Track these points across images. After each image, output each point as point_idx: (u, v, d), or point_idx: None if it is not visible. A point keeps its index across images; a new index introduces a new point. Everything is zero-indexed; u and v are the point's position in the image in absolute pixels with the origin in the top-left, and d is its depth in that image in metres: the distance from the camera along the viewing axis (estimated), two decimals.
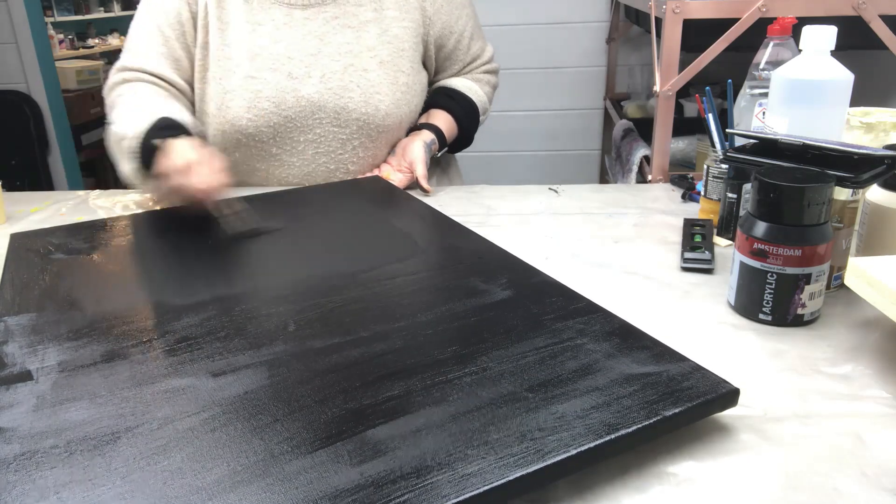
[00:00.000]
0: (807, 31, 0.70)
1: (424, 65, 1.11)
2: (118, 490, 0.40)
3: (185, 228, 0.84)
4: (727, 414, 0.50)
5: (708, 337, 0.61)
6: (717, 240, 0.81)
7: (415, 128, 1.09)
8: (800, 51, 0.72)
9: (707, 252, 0.74)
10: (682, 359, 0.51)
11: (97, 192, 1.06)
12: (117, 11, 4.97)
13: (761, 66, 0.85)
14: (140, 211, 0.92)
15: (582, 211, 0.93)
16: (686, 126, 1.68)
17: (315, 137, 1.02)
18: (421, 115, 1.12)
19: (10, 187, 1.06)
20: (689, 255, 0.74)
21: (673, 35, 1.02)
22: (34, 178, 2.80)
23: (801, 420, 0.50)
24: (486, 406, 0.46)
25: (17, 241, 0.80)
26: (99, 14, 4.89)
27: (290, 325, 0.58)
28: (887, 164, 0.62)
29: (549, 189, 1.01)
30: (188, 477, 0.41)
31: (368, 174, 1.06)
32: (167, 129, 0.89)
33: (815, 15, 0.96)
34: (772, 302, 0.61)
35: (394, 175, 1.03)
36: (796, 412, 0.51)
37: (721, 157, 0.82)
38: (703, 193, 0.86)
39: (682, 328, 0.63)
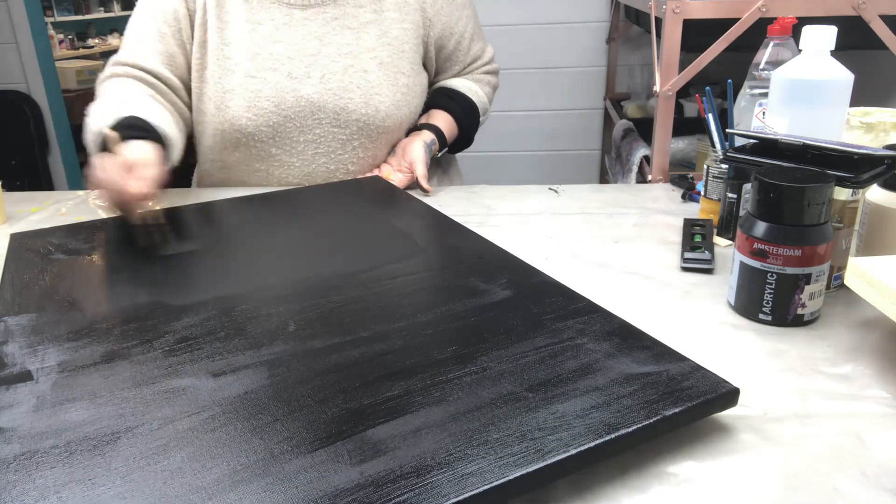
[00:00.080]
0: (807, 31, 0.70)
1: (425, 66, 1.11)
2: (118, 490, 0.40)
3: (185, 229, 0.84)
4: (727, 414, 0.50)
5: (708, 337, 0.61)
6: (717, 240, 0.81)
7: (415, 128, 1.09)
8: (800, 51, 0.72)
9: (707, 252, 0.74)
10: (682, 359, 0.51)
11: (97, 192, 1.05)
12: (117, 11, 4.97)
13: (761, 66, 0.85)
14: (139, 211, 0.92)
15: (582, 211, 0.93)
16: (686, 126, 1.68)
17: (315, 138, 1.02)
18: (421, 115, 1.12)
19: (10, 187, 1.05)
20: (689, 255, 0.74)
21: (673, 35, 1.02)
22: (34, 178, 2.81)
23: (801, 420, 0.50)
24: (486, 406, 0.46)
25: (17, 241, 0.80)
26: (99, 14, 4.90)
27: (290, 325, 0.58)
28: (887, 164, 0.62)
29: (549, 189, 1.01)
30: (188, 477, 0.41)
31: (368, 174, 1.06)
32: (130, 128, 0.88)
33: (815, 15, 0.96)
34: (772, 302, 0.61)
35: (394, 175, 1.03)
36: (796, 412, 0.51)
37: (721, 157, 0.82)
38: (703, 193, 0.86)
39: (682, 328, 0.63)
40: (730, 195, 0.79)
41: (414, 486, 0.39)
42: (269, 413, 0.47)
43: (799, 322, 0.62)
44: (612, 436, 0.43)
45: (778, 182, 0.58)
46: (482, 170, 2.40)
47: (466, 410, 0.46)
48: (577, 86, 2.33)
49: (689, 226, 0.81)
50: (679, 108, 1.91)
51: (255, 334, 0.57)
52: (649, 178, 1.09)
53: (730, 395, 0.48)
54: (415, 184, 1.02)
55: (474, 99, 1.13)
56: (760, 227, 0.60)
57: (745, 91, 0.88)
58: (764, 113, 0.80)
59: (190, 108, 1.04)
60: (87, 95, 3.63)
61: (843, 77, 0.71)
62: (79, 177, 3.01)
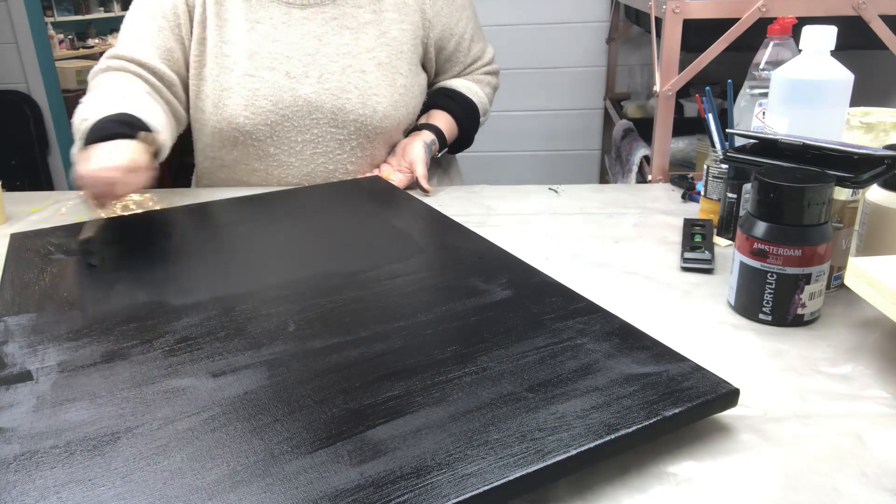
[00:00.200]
0: (807, 31, 0.70)
1: (424, 67, 1.11)
2: (118, 490, 0.40)
3: (185, 228, 0.84)
4: (727, 414, 0.50)
5: (708, 337, 0.61)
6: (717, 240, 0.81)
7: (415, 128, 1.09)
8: (800, 51, 0.72)
9: (707, 252, 0.74)
10: (682, 359, 0.51)
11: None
12: (117, 11, 4.96)
13: (761, 66, 0.85)
14: (140, 211, 0.92)
15: (582, 211, 0.93)
16: (686, 126, 1.68)
17: (312, 138, 1.02)
18: (421, 115, 1.12)
19: (10, 187, 1.06)
20: (689, 255, 0.74)
21: (673, 35, 1.02)
22: (34, 178, 2.81)
23: (801, 420, 0.50)
24: (486, 406, 0.46)
25: (17, 241, 0.80)
26: (99, 14, 4.90)
27: (290, 325, 0.58)
28: (887, 164, 0.62)
29: (549, 189, 1.01)
30: (188, 477, 0.41)
31: (368, 174, 1.06)
32: (124, 124, 0.87)
33: (815, 15, 0.96)
34: (772, 302, 0.61)
35: (394, 175, 1.03)
36: (796, 412, 0.51)
37: (721, 157, 0.82)
38: (703, 193, 0.86)
39: (682, 328, 0.63)
40: (730, 195, 0.79)
41: (414, 486, 0.39)
42: (269, 413, 0.47)
43: (799, 322, 0.62)
44: (612, 436, 0.43)
45: (778, 182, 0.58)
46: (482, 170, 2.40)
47: (466, 411, 0.46)
48: (577, 86, 2.33)
49: (689, 226, 0.81)
50: (679, 108, 1.91)
51: (255, 334, 0.57)
52: (649, 178, 1.09)
53: (730, 396, 0.48)
54: (415, 184, 1.02)
55: (474, 99, 1.13)
56: (760, 227, 0.60)
57: (745, 91, 0.88)
58: (764, 113, 0.80)
59: (185, 104, 1.04)
60: None
61: (843, 77, 0.71)
62: None
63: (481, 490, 0.39)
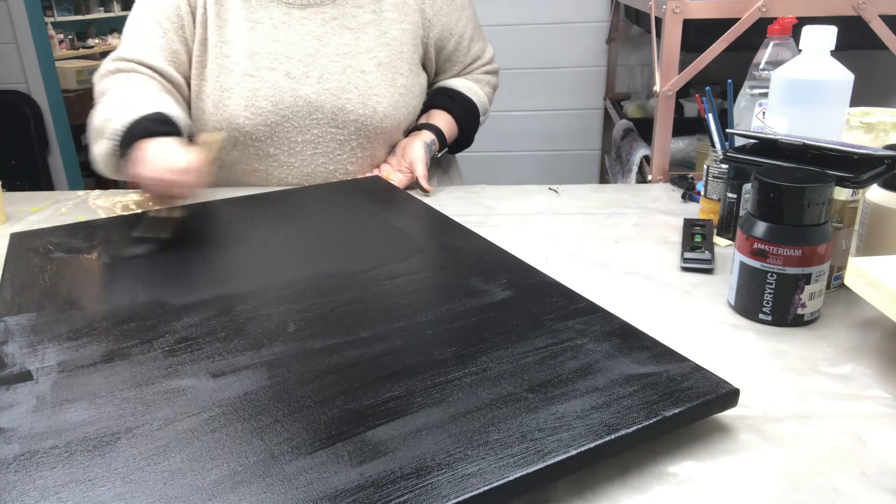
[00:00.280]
0: (807, 31, 0.70)
1: (424, 66, 1.11)
2: (118, 490, 0.40)
3: (185, 228, 0.84)
4: (727, 414, 0.50)
5: (708, 337, 0.61)
6: (717, 240, 0.81)
7: (415, 128, 1.09)
8: (800, 51, 0.72)
9: (707, 252, 0.74)
10: (682, 359, 0.51)
11: (97, 192, 1.06)
12: (117, 11, 4.97)
13: (761, 66, 0.85)
14: (140, 211, 0.92)
15: (582, 211, 0.93)
16: (686, 126, 1.68)
17: (313, 138, 1.02)
18: (421, 115, 1.12)
19: (10, 187, 1.06)
20: (689, 255, 0.74)
21: (673, 35, 1.02)
22: (34, 178, 2.80)
23: (801, 420, 0.50)
24: (486, 406, 0.46)
25: (17, 240, 0.80)
26: (99, 14, 4.89)
27: (290, 325, 0.58)
28: (887, 164, 0.62)
29: (549, 189, 1.01)
30: (188, 477, 0.41)
31: (368, 174, 1.06)
32: (161, 123, 0.88)
33: (815, 15, 0.96)
34: (772, 302, 0.61)
35: (394, 175, 1.03)
36: (796, 412, 0.51)
37: (721, 157, 0.82)
38: (703, 193, 0.86)
39: (682, 328, 0.63)
40: (730, 195, 0.79)
41: (414, 486, 0.39)
42: (270, 414, 0.47)
43: (799, 322, 0.62)
44: (612, 436, 0.43)
45: (778, 182, 0.58)
46: (482, 170, 2.40)
47: (466, 411, 0.46)
48: (577, 86, 2.33)
49: (689, 226, 0.81)
50: (679, 108, 1.91)
51: (255, 334, 0.57)
52: (649, 178, 1.09)
53: (730, 396, 0.48)
54: (415, 184, 1.02)
55: (474, 99, 1.13)
56: (760, 227, 0.60)
57: (745, 91, 0.88)
58: (764, 113, 0.80)
59: (190, 105, 1.04)
60: (87, 95, 3.64)
61: (843, 77, 0.71)
62: (79, 177, 3.01)
63: (481, 490, 0.39)
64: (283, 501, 0.39)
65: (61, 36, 4.35)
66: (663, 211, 0.92)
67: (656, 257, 0.77)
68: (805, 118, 0.72)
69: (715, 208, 0.84)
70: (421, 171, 1.01)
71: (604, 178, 2.36)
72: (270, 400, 0.48)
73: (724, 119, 0.83)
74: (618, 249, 0.80)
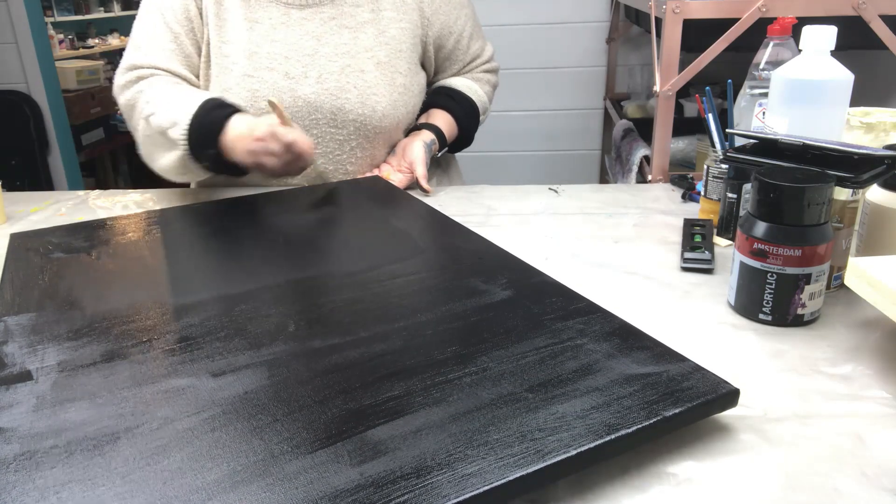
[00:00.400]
0: (807, 31, 0.70)
1: (423, 65, 1.11)
2: (118, 490, 0.40)
3: (185, 228, 0.84)
4: (727, 414, 0.50)
5: (708, 337, 0.61)
6: (717, 240, 0.81)
7: (415, 128, 1.09)
8: (800, 51, 0.72)
9: (707, 252, 0.74)
10: (682, 359, 0.51)
11: (97, 192, 1.06)
12: (117, 11, 4.96)
13: (761, 66, 0.85)
14: (139, 211, 0.92)
15: (582, 211, 0.93)
16: (686, 126, 1.68)
17: (312, 138, 1.02)
18: (421, 114, 1.12)
19: (10, 187, 1.06)
20: (689, 255, 0.74)
21: (673, 35, 1.02)
22: (34, 178, 2.80)
23: (801, 420, 0.50)
24: (486, 406, 0.46)
25: (17, 241, 0.80)
26: (99, 14, 4.89)
27: (290, 325, 0.58)
28: (887, 164, 0.62)
29: (549, 189, 1.01)
30: (188, 477, 0.41)
31: (368, 174, 1.06)
32: (220, 107, 0.90)
33: (815, 15, 0.96)
34: (772, 302, 0.61)
35: (394, 175, 1.03)
36: (796, 412, 0.51)
37: (721, 157, 0.82)
38: (703, 193, 0.86)
39: (682, 328, 0.63)
40: (730, 195, 0.79)
41: (414, 486, 0.39)
42: (269, 413, 0.47)
43: (799, 322, 0.62)
44: (613, 436, 0.43)
45: (778, 182, 0.58)
46: (482, 170, 2.40)
47: (466, 411, 0.46)
48: (577, 86, 2.33)
49: (689, 226, 0.81)
50: (679, 108, 1.91)
51: (255, 334, 0.57)
52: (649, 178, 1.09)
53: (730, 396, 0.48)
54: (415, 184, 1.02)
55: (474, 98, 1.13)
56: (760, 227, 0.60)
57: (745, 91, 0.88)
58: (764, 113, 0.80)
59: None
60: (87, 95, 3.62)
61: (843, 77, 0.71)
62: (79, 177, 3.01)
63: (481, 490, 0.39)
64: (283, 501, 0.39)
65: (61, 36, 4.34)
66: (663, 211, 0.92)
67: (656, 257, 0.77)
68: (805, 118, 0.72)
69: (715, 208, 0.84)
70: (421, 171, 1.01)
71: (604, 178, 2.36)
72: (270, 399, 0.48)
73: (724, 119, 0.83)
74: (618, 249, 0.80)
